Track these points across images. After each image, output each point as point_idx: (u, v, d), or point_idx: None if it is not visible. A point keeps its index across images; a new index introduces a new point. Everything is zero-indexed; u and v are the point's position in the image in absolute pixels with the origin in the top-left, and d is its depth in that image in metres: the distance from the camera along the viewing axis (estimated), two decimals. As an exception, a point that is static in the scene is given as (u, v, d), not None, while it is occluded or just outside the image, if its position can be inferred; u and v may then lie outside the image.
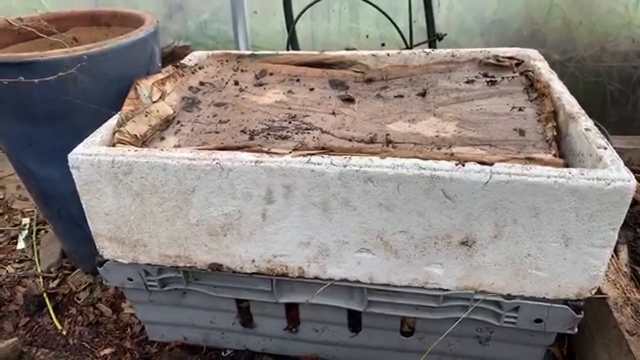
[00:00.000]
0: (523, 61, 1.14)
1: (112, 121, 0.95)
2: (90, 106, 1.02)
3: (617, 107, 1.72)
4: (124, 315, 1.27)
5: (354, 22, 1.75)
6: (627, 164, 0.74)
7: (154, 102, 1.04)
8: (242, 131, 0.95)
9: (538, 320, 0.86)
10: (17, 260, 1.46)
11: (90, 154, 0.85)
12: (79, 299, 1.32)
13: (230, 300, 1.01)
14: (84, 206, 0.91)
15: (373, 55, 1.24)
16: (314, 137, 0.91)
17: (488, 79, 1.09)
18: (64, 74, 0.87)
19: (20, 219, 1.62)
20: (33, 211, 1.64)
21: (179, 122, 1.02)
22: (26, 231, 1.55)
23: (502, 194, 0.74)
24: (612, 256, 1.04)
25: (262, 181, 0.81)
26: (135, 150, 0.85)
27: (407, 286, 0.88)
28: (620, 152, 1.11)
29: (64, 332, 1.23)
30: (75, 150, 0.86)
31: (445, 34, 1.56)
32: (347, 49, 1.74)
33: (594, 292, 0.82)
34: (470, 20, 1.70)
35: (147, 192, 0.86)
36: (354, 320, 1.00)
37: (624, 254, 1.08)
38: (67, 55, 0.98)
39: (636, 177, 0.74)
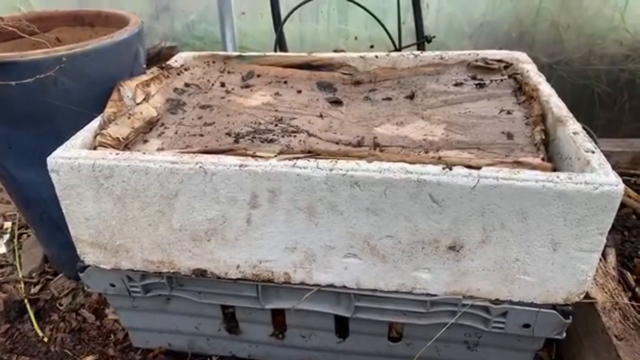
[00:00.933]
0: (512, 64, 1.13)
1: (94, 123, 0.93)
2: (71, 108, 1.00)
3: (605, 110, 1.73)
4: (108, 321, 1.24)
5: (343, 23, 1.74)
6: (614, 166, 0.74)
7: (138, 104, 1.01)
8: (227, 134, 0.93)
9: (526, 325, 0.85)
10: (-2, 265, 1.43)
11: (70, 157, 0.83)
12: (61, 305, 1.29)
13: (216, 306, 1.00)
14: (64, 211, 0.89)
15: (361, 57, 1.23)
16: (300, 141, 0.90)
17: (476, 82, 1.09)
18: (43, 76, 0.85)
19: (1, 223, 1.59)
20: (15, 215, 1.61)
21: (163, 124, 1.00)
22: (7, 235, 1.52)
23: (490, 198, 0.73)
24: (600, 259, 1.04)
25: (246, 185, 0.79)
26: (117, 154, 0.82)
27: (394, 291, 0.86)
28: (608, 154, 1.11)
29: (46, 339, 1.21)
30: (54, 153, 0.84)
31: (434, 36, 1.56)
32: (335, 51, 1.73)
33: (582, 296, 0.81)
34: (459, 22, 1.70)
35: (129, 196, 0.84)
36: (341, 326, 0.98)
37: (611, 257, 1.08)
38: (47, 55, 0.95)
39: (624, 180, 0.73)
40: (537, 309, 0.83)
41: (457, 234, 0.77)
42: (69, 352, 1.18)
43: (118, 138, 0.90)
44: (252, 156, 0.81)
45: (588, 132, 0.87)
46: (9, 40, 1.26)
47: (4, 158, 1.11)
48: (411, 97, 1.08)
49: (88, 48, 1.01)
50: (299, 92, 1.15)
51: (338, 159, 0.78)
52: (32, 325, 1.24)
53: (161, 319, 1.06)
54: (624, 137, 1.59)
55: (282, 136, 0.92)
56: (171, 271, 0.92)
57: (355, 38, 1.76)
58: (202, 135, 0.94)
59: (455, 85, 1.10)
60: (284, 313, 0.99)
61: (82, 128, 0.92)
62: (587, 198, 0.70)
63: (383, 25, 1.50)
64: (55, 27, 1.34)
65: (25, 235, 1.53)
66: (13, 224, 1.57)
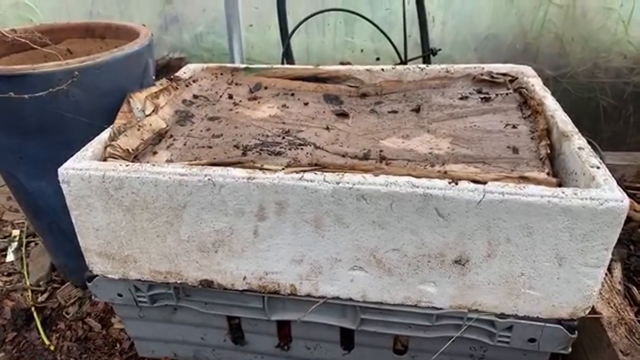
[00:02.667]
0: (517, 78, 1.14)
1: (104, 135, 0.95)
2: (82, 119, 1.02)
3: (610, 123, 1.73)
4: (114, 330, 1.25)
5: (349, 36, 1.76)
6: (620, 180, 0.75)
7: (147, 115, 1.03)
8: (235, 146, 0.94)
9: (532, 340, 0.85)
10: (5, 273, 1.44)
11: (81, 169, 0.84)
12: (67, 314, 1.30)
13: (222, 317, 1.00)
14: (73, 221, 0.90)
15: (367, 70, 1.24)
16: (307, 153, 0.91)
17: (482, 96, 1.10)
18: (55, 90, 0.86)
19: (10, 231, 1.60)
20: (23, 223, 1.62)
21: (171, 136, 1.01)
22: (16, 243, 1.53)
23: (496, 213, 0.73)
24: (606, 274, 1.04)
25: (254, 198, 0.80)
26: (127, 165, 0.84)
27: (400, 304, 0.87)
28: (614, 168, 1.12)
29: (52, 348, 1.21)
30: (65, 164, 0.85)
31: (440, 49, 1.57)
32: (342, 63, 1.75)
33: (587, 311, 0.81)
34: (464, 35, 1.71)
35: (138, 207, 0.85)
36: (347, 338, 0.99)
37: (617, 272, 1.08)
38: (59, 68, 0.97)
39: (630, 194, 0.74)
40: (542, 324, 0.83)
41: (462, 248, 0.78)
42: (75, 361, 1.18)
43: (128, 149, 0.92)
44: (260, 169, 0.82)
45: (593, 146, 0.87)
46: (21, 52, 1.28)
47: (15, 168, 1.12)
48: (417, 110, 1.09)
49: (99, 61, 1.02)
50: (306, 104, 1.16)
51: (345, 173, 0.79)
52: (39, 333, 1.25)
53: (167, 329, 1.07)
54: (629, 150, 1.60)
55: (290, 149, 0.93)
56: (178, 282, 0.93)
57: (362, 50, 1.78)
58: (210, 147, 0.95)
59: (461, 98, 1.11)
60: (290, 324, 0.99)
61: (92, 139, 0.93)
62: (593, 214, 0.70)
63: (389, 38, 1.51)
64: (67, 38, 1.36)
65: (33, 244, 1.54)
66: (21, 232, 1.58)
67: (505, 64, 1.20)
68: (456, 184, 0.74)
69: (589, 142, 0.86)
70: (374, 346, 0.98)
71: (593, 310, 0.83)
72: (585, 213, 0.71)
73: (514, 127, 0.96)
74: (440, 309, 0.86)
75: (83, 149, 0.90)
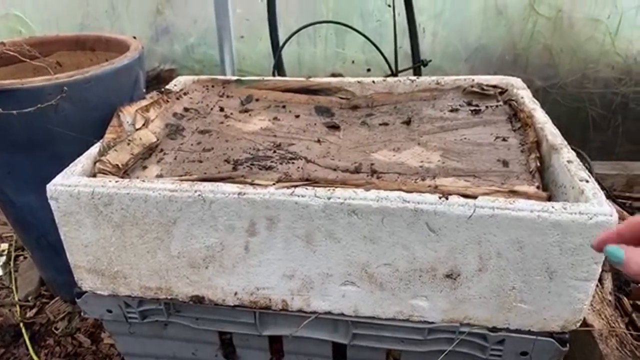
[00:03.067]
0: (507, 90, 1.15)
1: (94, 150, 0.94)
2: (71, 134, 1.01)
3: (599, 133, 1.75)
4: (104, 345, 1.23)
5: (340, 47, 1.77)
6: (609, 189, 0.75)
7: (137, 129, 1.02)
8: (225, 160, 0.94)
9: (524, 353, 0.85)
10: (-7, 288, 1.42)
11: (70, 185, 0.83)
12: (57, 329, 1.28)
13: (213, 333, 0.99)
14: (62, 237, 0.89)
15: (359, 82, 1.24)
16: (298, 167, 0.91)
17: (472, 108, 1.10)
18: (43, 105, 0.86)
19: (-2, 244, 1.59)
20: (12, 236, 1.60)
21: (162, 150, 1.01)
22: (4, 257, 1.52)
23: (486, 227, 0.74)
24: (597, 285, 1.04)
25: (244, 213, 0.80)
26: (116, 181, 0.83)
27: (392, 319, 0.86)
28: (603, 177, 1.13)
29: (41, 364, 1.20)
30: (54, 180, 0.84)
31: (430, 60, 1.58)
32: (333, 74, 1.76)
33: (578, 324, 0.82)
34: (455, 46, 1.73)
35: (127, 223, 0.84)
36: (339, 353, 0.98)
37: (608, 282, 1.08)
38: (48, 83, 0.97)
39: (619, 203, 0.74)
40: (534, 337, 0.83)
41: (454, 263, 0.78)
42: (64, 378, 1.17)
43: (117, 165, 0.91)
44: (251, 184, 0.82)
45: (582, 157, 0.88)
46: (10, 65, 1.27)
47: (2, 182, 1.12)
48: (408, 122, 1.09)
49: (89, 75, 1.02)
50: (297, 116, 1.16)
51: (336, 187, 0.79)
52: (28, 349, 1.23)
53: (158, 344, 1.05)
54: (618, 160, 1.61)
55: (281, 163, 0.92)
56: (169, 297, 0.92)
57: (353, 62, 1.79)
58: (201, 162, 0.95)
59: (451, 111, 1.11)
60: (282, 339, 0.98)
61: (81, 154, 0.93)
62: (582, 228, 0.71)
63: (380, 50, 1.52)
64: (57, 51, 1.36)
65: (22, 257, 1.53)
66: (10, 245, 1.57)
67: (494, 76, 1.21)
68: (447, 198, 0.74)
69: (577, 153, 0.87)
70: (367, 360, 0.97)
71: (584, 323, 0.84)
72: (574, 227, 0.71)
73: (504, 139, 0.97)
74: (433, 323, 0.85)
75: (72, 164, 0.89)
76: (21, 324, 1.27)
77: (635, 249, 0.55)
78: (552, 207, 0.71)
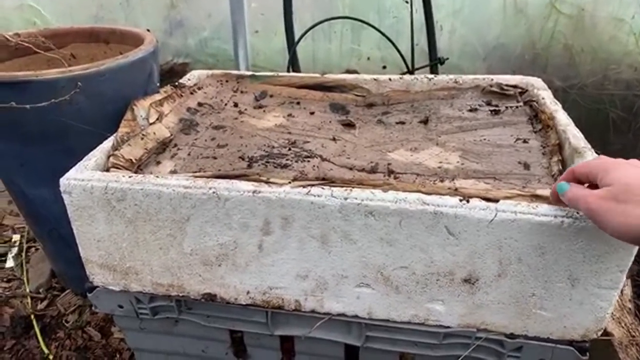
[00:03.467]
0: (527, 90, 1.12)
1: (107, 144, 0.93)
2: (85, 127, 1.00)
3: (620, 135, 1.71)
4: (113, 340, 1.23)
5: (355, 43, 1.74)
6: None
7: (151, 123, 1.01)
8: (240, 157, 0.92)
9: (542, 361, 0.83)
10: (5, 279, 1.42)
11: (83, 179, 0.82)
12: (67, 322, 1.28)
13: (224, 331, 0.98)
14: (75, 232, 0.88)
15: (375, 79, 1.22)
16: (314, 166, 0.89)
17: (492, 108, 1.08)
18: (57, 100, 0.85)
19: (10, 236, 1.59)
20: (24, 228, 1.61)
21: (175, 145, 1.00)
22: (16, 248, 1.52)
23: (508, 232, 0.72)
24: (616, 292, 1.02)
25: (259, 212, 0.78)
26: (130, 177, 0.82)
27: (407, 322, 0.85)
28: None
29: (51, 357, 1.20)
30: (67, 174, 0.84)
31: (447, 58, 1.55)
32: (348, 71, 1.74)
33: (600, 333, 0.79)
34: (473, 45, 1.69)
35: (140, 219, 0.83)
36: (351, 354, 0.97)
37: (627, 289, 1.06)
38: (63, 75, 0.96)
39: None
40: (553, 345, 0.81)
41: (472, 267, 0.76)
42: (73, 371, 1.17)
43: (131, 159, 0.90)
44: (266, 182, 0.80)
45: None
46: (24, 56, 1.27)
47: (15, 175, 1.11)
48: (425, 121, 1.07)
49: (103, 68, 1.01)
50: (312, 113, 1.14)
51: (353, 188, 0.77)
52: (38, 342, 1.23)
53: (168, 341, 1.05)
54: (638, 163, 1.57)
55: (296, 161, 0.91)
56: (180, 295, 0.91)
57: (368, 58, 1.76)
58: (215, 158, 0.94)
59: (470, 110, 1.09)
60: (293, 339, 0.97)
61: (95, 147, 0.92)
62: (608, 235, 0.68)
63: (396, 47, 1.49)
64: (71, 43, 1.35)
65: (33, 249, 1.53)
66: (22, 237, 1.57)
67: (514, 76, 1.18)
68: (467, 201, 0.72)
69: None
70: (379, 363, 0.96)
71: (604, 331, 0.81)
72: (599, 234, 0.69)
73: (524, 141, 0.94)
74: (448, 327, 0.84)
75: (85, 158, 0.88)
76: (32, 316, 1.27)
77: (577, 185, 0.64)
78: (577, 212, 0.69)
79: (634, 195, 0.54)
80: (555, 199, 0.69)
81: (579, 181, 0.65)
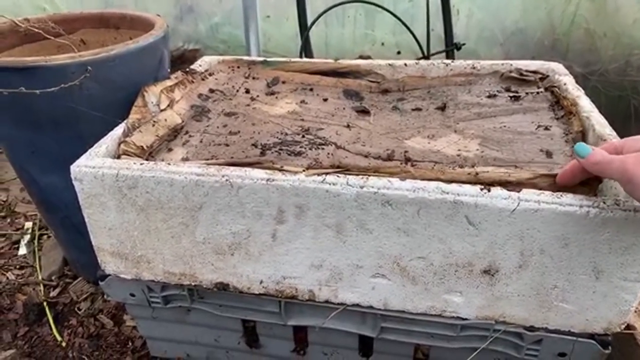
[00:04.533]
0: (548, 75, 1.08)
1: (118, 131, 0.91)
2: (95, 113, 0.99)
3: (642, 123, 1.67)
4: (126, 328, 1.23)
5: (369, 29, 1.71)
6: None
7: (162, 110, 0.99)
8: (253, 145, 0.90)
9: (562, 354, 0.81)
10: (17, 267, 1.42)
11: (94, 167, 0.81)
12: (79, 309, 1.28)
13: (236, 320, 0.97)
14: (86, 220, 0.87)
15: (389, 65, 1.19)
16: (328, 154, 0.87)
17: (511, 94, 1.05)
18: (67, 85, 0.83)
19: (22, 223, 1.59)
20: (36, 215, 1.61)
21: (187, 132, 0.98)
22: (28, 236, 1.52)
23: (530, 222, 0.69)
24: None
25: (273, 200, 0.76)
26: (141, 164, 0.80)
27: (423, 314, 0.83)
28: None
29: (64, 344, 1.20)
30: (78, 161, 0.82)
31: (464, 43, 1.51)
32: (361, 57, 1.70)
33: (623, 326, 0.77)
34: (491, 29, 1.65)
35: (152, 207, 0.82)
36: (366, 345, 0.95)
37: (650, 281, 1.02)
38: (73, 61, 0.94)
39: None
40: (574, 338, 0.79)
41: (493, 258, 0.74)
42: (86, 358, 1.16)
43: (142, 146, 0.88)
44: (280, 170, 0.78)
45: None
46: (34, 42, 1.25)
47: (27, 162, 1.10)
48: (442, 108, 1.04)
49: (113, 53, 0.99)
50: (325, 100, 1.12)
51: (369, 176, 0.75)
52: (51, 329, 1.23)
53: (180, 329, 1.04)
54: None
55: (310, 148, 0.89)
56: (192, 284, 0.90)
57: (382, 44, 1.72)
58: (227, 145, 0.92)
59: (489, 97, 1.06)
60: (306, 329, 0.96)
61: (106, 134, 0.90)
62: (637, 226, 0.66)
63: (411, 32, 1.46)
64: (80, 28, 1.33)
65: (45, 237, 1.53)
66: (34, 224, 1.57)
67: (534, 61, 1.14)
68: (489, 190, 0.69)
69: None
70: (394, 354, 0.94)
71: (627, 325, 0.79)
72: (627, 225, 0.66)
73: (546, 128, 0.91)
74: (466, 319, 0.82)
75: (96, 145, 0.87)
76: (45, 304, 1.28)
77: (599, 149, 0.61)
78: (604, 202, 0.66)
79: None
80: (565, 178, 0.67)
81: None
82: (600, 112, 0.90)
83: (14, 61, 0.93)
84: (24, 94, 0.87)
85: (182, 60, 1.74)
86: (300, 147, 0.89)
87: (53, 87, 0.84)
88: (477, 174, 0.75)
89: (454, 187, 0.70)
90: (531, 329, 0.80)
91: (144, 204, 0.82)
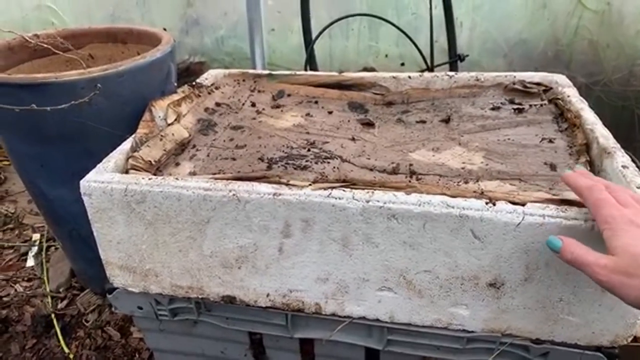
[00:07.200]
0: (551, 87, 1.09)
1: (126, 145, 0.93)
2: (104, 128, 1.00)
3: (646, 133, 1.67)
4: (133, 339, 1.24)
5: (373, 40, 1.72)
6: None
7: (169, 124, 1.01)
8: (259, 159, 0.92)
9: (569, 367, 0.81)
10: (26, 279, 1.44)
11: (103, 182, 0.82)
12: (87, 321, 1.29)
13: (243, 333, 0.98)
14: (95, 234, 0.88)
15: (394, 77, 1.20)
16: (334, 167, 0.88)
17: (515, 107, 1.05)
18: (77, 102, 0.85)
19: (30, 235, 1.60)
20: (44, 226, 1.62)
21: (194, 146, 0.99)
22: (36, 247, 1.53)
23: (535, 236, 0.69)
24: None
25: (280, 214, 0.77)
26: (149, 179, 0.82)
27: (429, 326, 0.83)
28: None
29: (71, 356, 1.21)
30: (87, 177, 0.84)
31: (467, 55, 1.52)
32: (365, 69, 1.71)
33: (630, 339, 0.77)
34: (494, 40, 1.66)
35: (160, 221, 0.83)
36: (372, 358, 0.95)
37: (656, 293, 1.02)
38: (82, 77, 0.96)
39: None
40: (580, 351, 0.79)
41: (498, 271, 0.74)
42: (93, 370, 1.17)
43: (150, 161, 0.90)
44: (286, 184, 0.79)
45: (633, 161, 0.83)
46: (43, 57, 1.27)
47: (35, 176, 1.12)
48: (446, 120, 1.05)
49: (121, 69, 1.01)
50: (330, 112, 1.13)
51: (374, 190, 0.76)
52: (59, 341, 1.24)
53: (187, 341, 1.04)
54: (664, 161, 1.53)
55: (316, 162, 0.90)
56: (200, 297, 0.91)
57: (386, 56, 1.74)
58: (234, 159, 0.93)
59: (493, 109, 1.06)
60: (313, 342, 0.96)
61: (114, 148, 0.92)
62: (641, 240, 0.66)
63: (415, 44, 1.47)
64: (88, 43, 1.35)
65: (53, 248, 1.54)
66: (42, 236, 1.59)
67: (538, 73, 1.15)
68: (494, 204, 0.70)
69: (631, 159, 0.81)
70: (400, 367, 0.94)
71: (634, 337, 0.79)
72: (632, 238, 0.66)
73: (550, 141, 0.92)
74: (472, 332, 0.82)
75: (105, 160, 0.88)
76: (52, 315, 1.29)
77: (571, 239, 0.62)
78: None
79: None
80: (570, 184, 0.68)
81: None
82: (604, 122, 0.90)
83: (25, 78, 0.95)
84: (34, 111, 0.89)
85: (188, 73, 1.77)
86: (306, 161, 0.90)
87: (63, 103, 0.86)
88: (482, 192, 0.76)
89: (459, 201, 0.71)
90: (537, 341, 0.80)
91: (152, 218, 0.83)
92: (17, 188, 1.81)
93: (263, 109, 1.14)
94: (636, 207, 0.60)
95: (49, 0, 1.92)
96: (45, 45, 1.23)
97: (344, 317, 0.86)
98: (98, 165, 0.86)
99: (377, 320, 0.85)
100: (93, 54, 1.34)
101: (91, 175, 0.84)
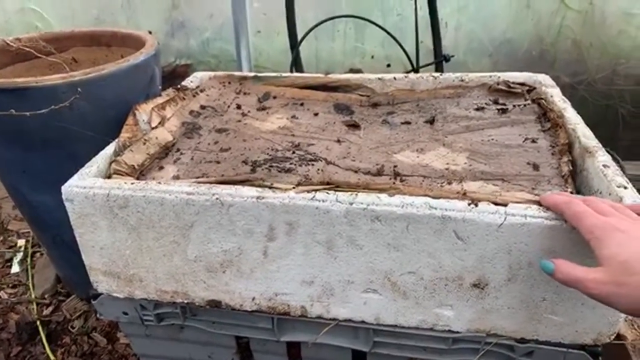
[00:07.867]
0: (535, 87, 1.10)
1: (109, 150, 0.92)
2: (87, 133, 0.99)
3: (629, 131, 1.68)
4: (120, 345, 1.23)
5: (359, 42, 1.72)
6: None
7: (153, 128, 1.00)
8: (243, 162, 0.91)
9: (553, 366, 0.82)
10: (10, 285, 1.42)
11: (85, 187, 0.81)
12: (73, 328, 1.28)
13: (230, 337, 0.97)
14: (77, 239, 0.87)
15: (379, 78, 1.20)
16: (318, 170, 0.88)
17: (499, 107, 1.06)
18: (57, 107, 0.84)
19: (15, 241, 1.58)
20: (29, 232, 1.60)
21: (178, 149, 0.98)
22: (21, 254, 1.52)
23: (517, 236, 0.70)
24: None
25: (263, 218, 0.77)
26: (132, 183, 0.81)
27: (415, 327, 0.83)
28: (634, 178, 1.07)
29: (57, 363, 1.19)
30: (69, 182, 0.83)
31: (453, 55, 1.53)
32: (351, 70, 1.72)
33: (613, 337, 0.78)
34: (479, 40, 1.67)
35: (143, 226, 0.82)
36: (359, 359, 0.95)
37: (640, 290, 1.03)
38: (63, 81, 0.95)
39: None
40: (565, 349, 0.79)
41: (482, 272, 0.74)
42: (80, 377, 1.16)
43: (133, 165, 0.89)
44: (270, 187, 0.79)
45: (614, 159, 0.83)
46: (26, 61, 1.26)
47: (18, 182, 1.10)
48: (431, 121, 1.05)
49: (104, 72, 1.00)
50: (316, 114, 1.13)
51: (358, 192, 0.76)
52: (44, 348, 1.23)
53: (174, 347, 1.04)
54: (649, 160, 1.55)
55: (300, 165, 0.89)
56: (185, 301, 0.90)
57: (372, 57, 1.74)
58: (218, 162, 0.92)
59: (477, 109, 1.07)
60: (300, 344, 0.96)
61: (97, 153, 0.91)
62: (622, 238, 0.66)
63: (400, 45, 1.47)
64: (72, 47, 1.34)
65: (38, 254, 1.53)
66: (27, 242, 1.57)
67: (522, 73, 1.16)
68: (476, 205, 0.70)
69: (611, 155, 0.82)
70: (387, 368, 0.94)
71: (617, 335, 0.79)
72: (613, 237, 0.67)
73: (533, 141, 0.92)
74: (457, 332, 0.82)
75: (87, 165, 0.87)
76: (38, 322, 1.27)
77: (561, 260, 0.63)
78: (589, 215, 0.67)
79: (634, 274, 0.53)
80: (548, 204, 0.69)
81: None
82: (588, 121, 0.91)
83: (4, 82, 0.94)
84: (15, 116, 0.88)
85: (174, 76, 1.76)
86: (291, 163, 0.90)
87: (44, 108, 0.85)
88: (465, 193, 0.76)
89: (441, 202, 0.71)
90: (522, 341, 0.80)
91: (135, 223, 0.82)
92: (1, 194, 1.78)
93: (248, 112, 1.14)
94: (618, 215, 0.60)
95: (32, 3, 1.89)
96: (28, 49, 1.21)
97: (330, 319, 0.86)
98: (80, 170, 0.85)
99: (363, 322, 0.85)
100: (77, 58, 1.33)
101: (73, 181, 0.83)
